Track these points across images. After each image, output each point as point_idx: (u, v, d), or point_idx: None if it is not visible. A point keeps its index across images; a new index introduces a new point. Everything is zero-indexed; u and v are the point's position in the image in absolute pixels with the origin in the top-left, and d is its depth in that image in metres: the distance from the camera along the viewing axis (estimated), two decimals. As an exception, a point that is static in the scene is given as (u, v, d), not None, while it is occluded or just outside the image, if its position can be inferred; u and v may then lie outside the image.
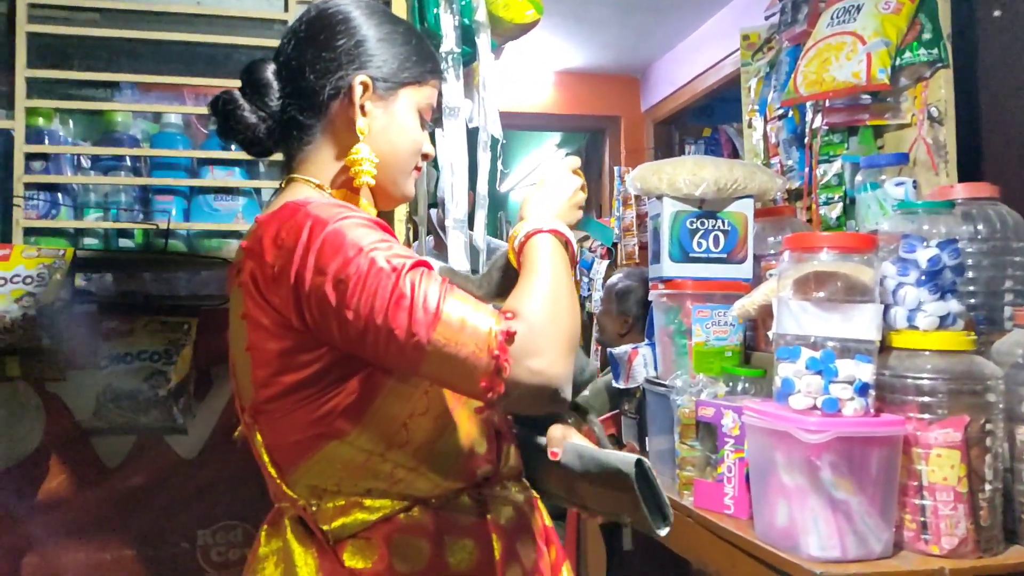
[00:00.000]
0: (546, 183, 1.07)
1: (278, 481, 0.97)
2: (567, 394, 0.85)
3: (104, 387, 1.54)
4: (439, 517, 0.97)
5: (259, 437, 0.98)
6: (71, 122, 1.69)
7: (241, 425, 1.02)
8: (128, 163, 1.69)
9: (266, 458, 0.98)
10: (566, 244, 0.99)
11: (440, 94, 1.13)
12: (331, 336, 0.86)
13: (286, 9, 1.71)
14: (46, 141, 1.63)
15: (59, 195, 1.63)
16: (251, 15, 1.70)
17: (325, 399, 0.91)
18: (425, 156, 1.10)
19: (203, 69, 1.69)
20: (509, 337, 0.82)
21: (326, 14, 1.03)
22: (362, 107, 1.00)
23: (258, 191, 1.71)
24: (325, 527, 0.94)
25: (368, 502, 0.94)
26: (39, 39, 1.61)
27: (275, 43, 1.69)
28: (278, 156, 1.67)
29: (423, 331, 0.81)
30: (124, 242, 1.66)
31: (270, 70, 1.03)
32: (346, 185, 1.02)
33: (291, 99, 1.01)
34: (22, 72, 1.58)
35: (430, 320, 0.81)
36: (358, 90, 0.99)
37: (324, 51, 1.00)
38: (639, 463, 0.97)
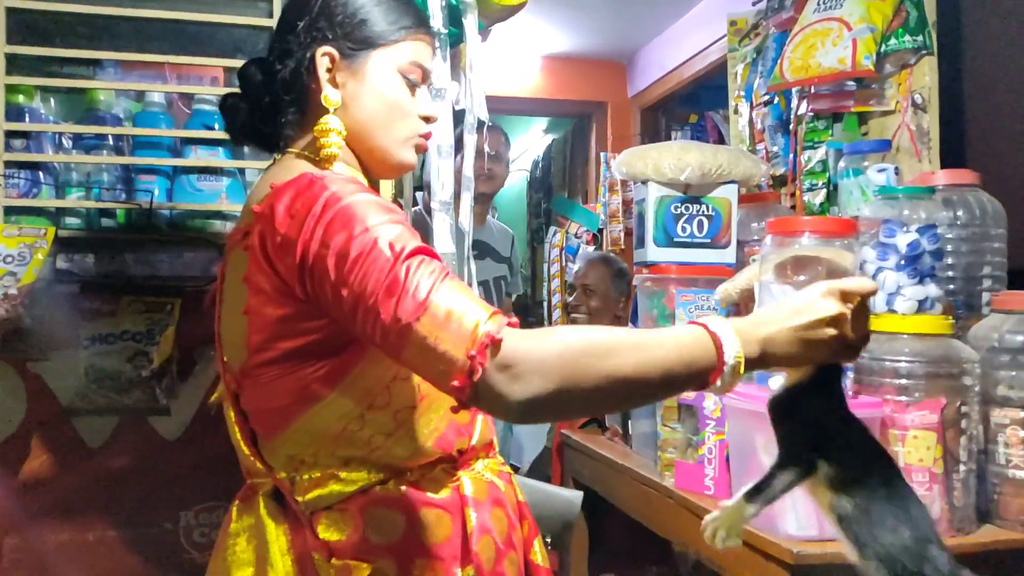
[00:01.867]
0: (794, 297, 0.87)
1: (250, 456, 0.98)
2: (529, 421, 0.80)
3: (86, 367, 1.53)
4: (414, 490, 0.97)
5: (231, 413, 0.99)
6: (52, 100, 1.67)
7: (219, 391, 1.03)
8: (110, 142, 1.67)
9: (238, 435, 0.99)
10: (717, 359, 0.80)
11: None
12: (327, 308, 0.87)
13: (270, -12, 1.69)
14: (27, 119, 1.61)
15: (40, 174, 1.61)
16: (235, -6, 1.69)
17: (317, 366, 0.92)
18: (427, 119, 1.06)
19: (187, 47, 1.67)
20: (493, 343, 0.77)
21: None
22: (332, 80, 1.00)
23: (242, 171, 1.70)
24: (300, 499, 0.94)
25: (344, 474, 0.95)
26: (20, 15, 1.59)
27: (259, 21, 1.69)
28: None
29: (407, 318, 0.79)
30: (106, 222, 1.65)
31: (254, 64, 1.05)
32: (326, 158, 1.00)
33: (271, 86, 1.02)
34: (2, 48, 1.56)
35: (415, 308, 0.79)
36: (321, 63, 0.99)
37: (289, 33, 1.01)
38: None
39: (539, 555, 1.10)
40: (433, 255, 0.85)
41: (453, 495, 1.00)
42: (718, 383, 0.82)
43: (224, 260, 1.02)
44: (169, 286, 1.61)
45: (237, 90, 1.07)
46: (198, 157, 1.66)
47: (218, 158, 1.67)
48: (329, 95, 0.99)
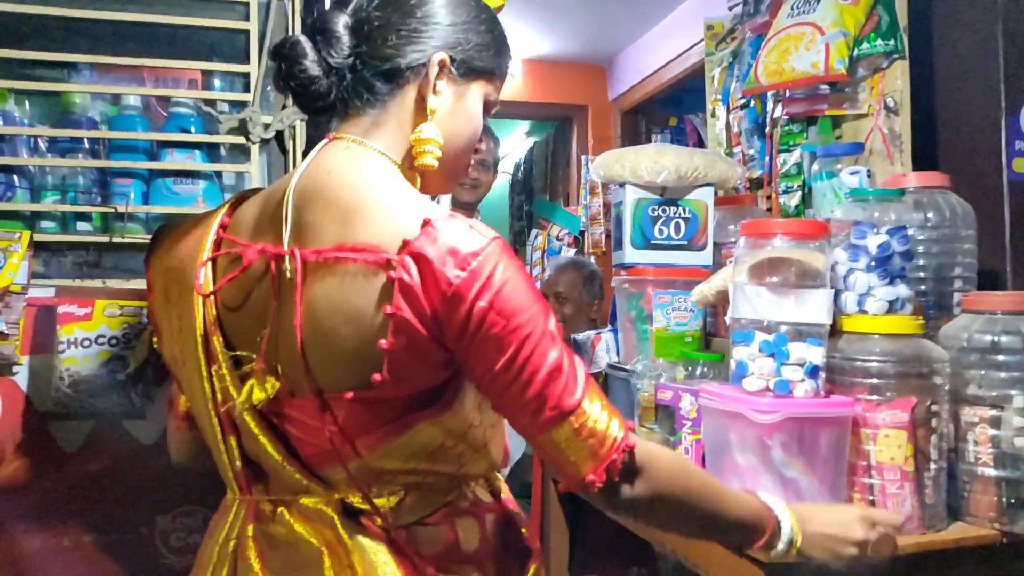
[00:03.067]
0: (836, 510, 1.10)
1: (292, 471, 0.91)
2: (617, 514, 0.98)
3: (62, 372, 1.52)
4: (476, 498, 1.00)
5: (255, 428, 0.92)
6: (27, 103, 1.67)
7: (244, 396, 0.90)
8: (86, 145, 1.67)
9: (271, 450, 0.91)
10: (767, 530, 1.01)
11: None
12: (470, 367, 0.86)
13: (247, -10, 1.69)
14: (1, 122, 1.60)
15: (15, 177, 1.61)
16: (212, -4, 1.69)
17: (438, 397, 0.90)
18: (476, 151, 1.08)
19: (163, 50, 1.67)
20: (629, 448, 0.89)
21: None
22: (434, 85, 0.95)
23: (219, 174, 1.70)
24: (389, 512, 0.92)
25: (425, 489, 0.94)
26: (-7, 17, 1.58)
27: (236, 24, 1.69)
28: (240, 139, 1.66)
29: (568, 406, 0.86)
30: (82, 225, 1.65)
31: (342, 22, 0.96)
32: (411, 165, 0.97)
33: (364, 59, 0.95)
34: (-25, 51, 1.55)
35: (576, 400, 0.87)
36: (435, 68, 0.95)
37: (409, 17, 0.95)
38: None
39: None
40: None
41: (495, 501, 1.03)
42: (778, 546, 1.02)
43: (301, 266, 0.87)
44: (145, 290, 1.60)
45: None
46: (174, 160, 1.66)
47: (195, 161, 1.67)
48: (432, 103, 0.95)
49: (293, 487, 0.93)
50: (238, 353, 0.93)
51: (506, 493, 1.06)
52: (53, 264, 1.63)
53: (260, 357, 0.89)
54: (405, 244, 0.83)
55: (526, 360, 0.84)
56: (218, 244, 0.97)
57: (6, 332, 1.46)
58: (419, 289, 0.82)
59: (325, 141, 0.97)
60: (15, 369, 1.53)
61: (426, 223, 0.83)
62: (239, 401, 0.90)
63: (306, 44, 0.94)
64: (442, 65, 0.96)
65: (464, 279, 0.81)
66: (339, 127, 0.97)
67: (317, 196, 0.90)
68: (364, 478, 0.91)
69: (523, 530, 1.03)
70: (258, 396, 0.89)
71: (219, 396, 0.93)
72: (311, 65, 0.93)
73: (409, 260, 0.82)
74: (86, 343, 1.53)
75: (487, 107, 1.04)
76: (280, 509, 0.93)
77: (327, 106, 0.97)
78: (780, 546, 1.01)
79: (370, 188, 0.89)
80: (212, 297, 0.94)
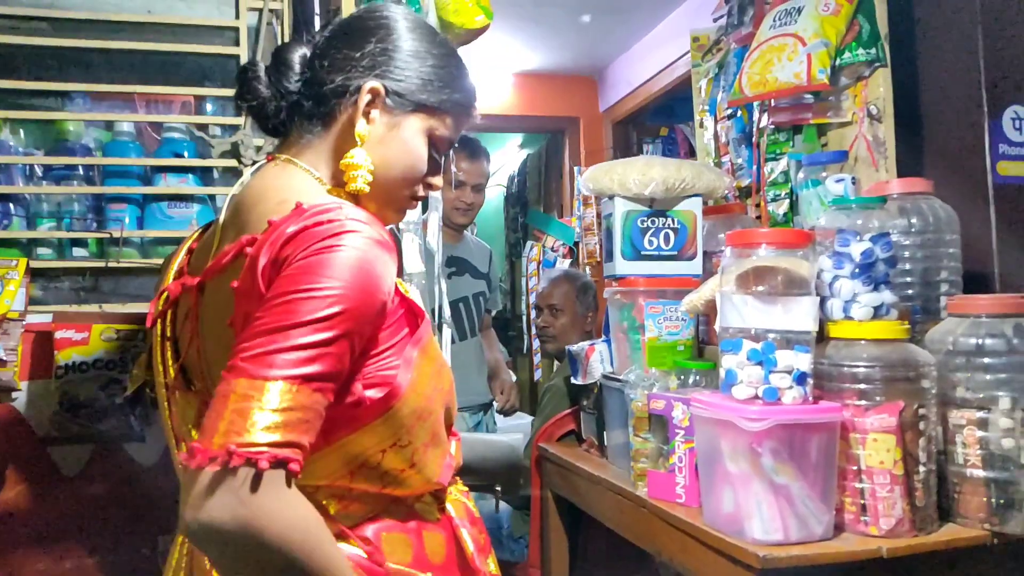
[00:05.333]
0: None
1: None
2: (191, 539, 0.76)
3: (60, 396, 1.54)
4: (414, 515, 1.00)
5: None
6: (22, 132, 1.69)
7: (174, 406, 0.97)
8: (81, 172, 1.69)
9: None
10: None
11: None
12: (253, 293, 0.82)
13: (237, 16, 1.72)
14: (-4, 151, 1.62)
15: (11, 205, 1.63)
16: (202, 23, 1.71)
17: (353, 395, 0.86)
18: (430, 186, 1.06)
19: (155, 77, 1.69)
20: (255, 465, 0.73)
21: (368, 15, 1.02)
22: (367, 113, 0.98)
23: (212, 198, 1.72)
24: None
25: (346, 503, 0.94)
26: (-13, 48, 1.60)
27: (227, 50, 1.71)
28: (232, 163, 1.68)
29: (252, 369, 0.75)
30: (78, 251, 1.66)
31: (298, 53, 1.01)
32: (341, 186, 0.99)
33: (305, 86, 1.00)
34: (-30, 82, 1.57)
35: (266, 374, 0.75)
36: (365, 96, 0.97)
37: (349, 49, 0.99)
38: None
39: (493, 566, 1.12)
40: (328, 388, 0.80)
41: (444, 518, 1.03)
42: None
43: (199, 281, 0.93)
44: (141, 313, 1.62)
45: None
46: (168, 185, 1.68)
47: (188, 185, 1.69)
48: (361, 130, 0.97)
49: None
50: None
51: (457, 513, 1.05)
52: (51, 290, 1.65)
53: (176, 378, 0.97)
54: (269, 224, 0.84)
55: (282, 303, 0.77)
56: (180, 272, 1.02)
57: (4, 359, 1.48)
58: (264, 260, 0.81)
59: (263, 162, 1.02)
60: (14, 395, 1.54)
61: (298, 206, 0.85)
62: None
63: (260, 68, 1.01)
64: (374, 94, 0.98)
65: (292, 244, 0.80)
66: (279, 148, 1.03)
67: (237, 213, 0.95)
68: None
69: (470, 554, 1.02)
70: (185, 412, 0.97)
71: (174, 408, 0.99)
72: (260, 88, 1.00)
73: (268, 236, 0.83)
74: (84, 367, 1.55)
75: (437, 143, 1.03)
76: None
77: (278, 126, 1.03)
78: None
79: (269, 191, 0.93)
80: (164, 322, 1.00)
